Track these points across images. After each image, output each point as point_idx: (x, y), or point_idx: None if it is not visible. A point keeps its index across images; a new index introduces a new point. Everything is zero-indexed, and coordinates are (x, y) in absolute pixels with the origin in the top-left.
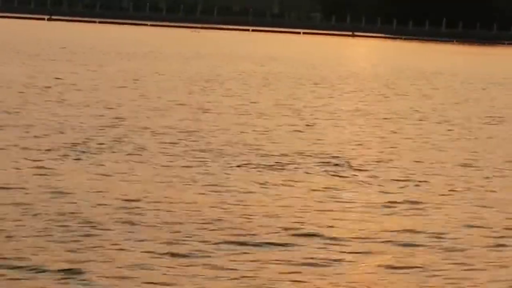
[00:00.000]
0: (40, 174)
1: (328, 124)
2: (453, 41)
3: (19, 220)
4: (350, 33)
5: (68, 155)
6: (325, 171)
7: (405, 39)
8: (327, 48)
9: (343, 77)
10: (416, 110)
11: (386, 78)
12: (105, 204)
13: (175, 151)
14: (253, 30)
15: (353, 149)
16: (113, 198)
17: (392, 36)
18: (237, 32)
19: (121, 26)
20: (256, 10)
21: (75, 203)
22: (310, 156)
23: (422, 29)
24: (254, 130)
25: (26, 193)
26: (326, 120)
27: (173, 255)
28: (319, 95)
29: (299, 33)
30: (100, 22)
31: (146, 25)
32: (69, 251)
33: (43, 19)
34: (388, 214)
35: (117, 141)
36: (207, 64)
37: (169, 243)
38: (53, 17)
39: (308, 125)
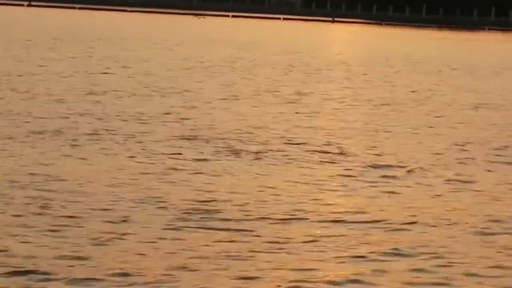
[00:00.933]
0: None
1: (317, 110)
2: (433, 27)
3: None
4: (330, 19)
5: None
6: (320, 160)
7: (385, 24)
8: (307, 34)
9: (326, 63)
10: (405, 96)
11: (368, 64)
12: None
13: (164, 136)
14: (233, 16)
15: (346, 136)
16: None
17: (372, 22)
18: (217, 18)
19: (102, 12)
20: None
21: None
22: (302, 143)
23: (403, 15)
24: (242, 118)
25: None
26: (315, 107)
27: None
28: (303, 81)
29: (279, 18)
30: (79, 8)
31: (126, 11)
32: None
33: (22, 5)
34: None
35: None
36: (189, 50)
37: None
38: (33, 3)
39: (297, 112)
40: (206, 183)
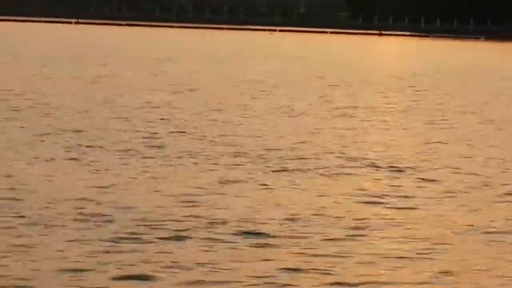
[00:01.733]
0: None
1: (370, 124)
2: (481, 38)
3: None
4: (378, 32)
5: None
6: (372, 174)
7: (433, 37)
8: (355, 47)
9: (376, 76)
10: (461, 108)
11: (418, 76)
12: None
13: (212, 153)
14: (280, 30)
15: (400, 150)
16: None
17: (420, 34)
18: (264, 32)
19: (149, 28)
20: (282, 10)
21: None
22: (356, 159)
23: (450, 26)
24: (295, 131)
25: None
26: (368, 121)
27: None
28: (353, 95)
29: (326, 32)
30: (127, 25)
31: (173, 27)
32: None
33: (71, 22)
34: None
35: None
36: (237, 65)
37: None
38: (80, 20)
39: (353, 128)
40: (261, 200)
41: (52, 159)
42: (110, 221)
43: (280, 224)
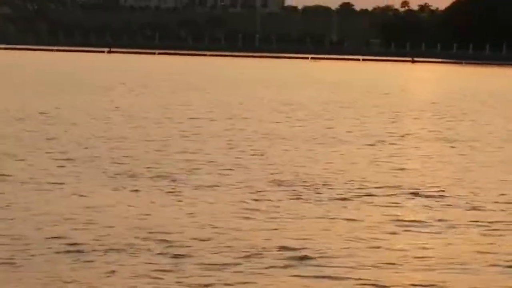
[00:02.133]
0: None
1: (405, 151)
2: None
3: None
4: (410, 59)
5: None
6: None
7: (465, 63)
8: (388, 74)
9: (410, 103)
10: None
11: (452, 103)
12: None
13: (258, 181)
14: (312, 58)
15: (438, 177)
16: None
17: (452, 61)
18: (296, 60)
19: (181, 57)
20: (315, 38)
21: None
22: (396, 187)
23: (483, 53)
24: (332, 160)
25: None
26: (403, 148)
27: None
28: (389, 122)
29: (358, 59)
30: (159, 54)
31: (205, 55)
32: None
33: (103, 51)
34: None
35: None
36: (273, 91)
37: None
38: (113, 49)
39: (392, 155)
40: (298, 228)
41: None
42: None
43: (338, 251)
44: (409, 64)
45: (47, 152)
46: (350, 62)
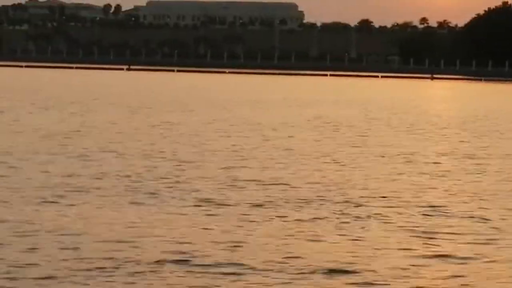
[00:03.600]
0: None
1: (430, 170)
2: None
3: None
4: (429, 75)
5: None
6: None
7: (484, 80)
8: (408, 91)
9: (432, 120)
10: None
11: (474, 121)
12: None
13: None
14: (331, 75)
15: (467, 197)
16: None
17: (472, 78)
18: (316, 77)
19: (200, 74)
20: (333, 55)
21: None
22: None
23: (502, 69)
24: (355, 177)
25: None
26: (426, 166)
27: None
28: (411, 140)
29: (377, 76)
30: (178, 71)
31: (224, 72)
32: None
33: (122, 69)
34: None
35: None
36: (296, 110)
37: None
38: (132, 67)
39: (423, 172)
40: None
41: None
42: None
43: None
44: (428, 81)
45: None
46: (369, 79)
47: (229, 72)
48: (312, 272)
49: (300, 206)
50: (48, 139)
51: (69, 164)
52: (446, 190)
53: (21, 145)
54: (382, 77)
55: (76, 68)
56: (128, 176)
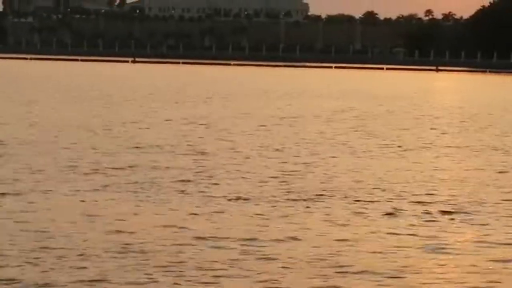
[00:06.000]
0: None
1: (439, 162)
2: None
3: None
4: (434, 67)
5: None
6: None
7: (489, 72)
8: (414, 83)
9: (439, 113)
10: None
11: (482, 113)
12: None
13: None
14: (336, 67)
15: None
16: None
17: (477, 69)
18: (321, 69)
19: (205, 66)
20: (338, 47)
21: None
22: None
23: (507, 61)
24: (366, 171)
25: None
26: (434, 159)
27: None
28: (420, 132)
29: (382, 68)
30: (183, 63)
31: (229, 64)
32: None
33: (127, 61)
34: None
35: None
36: (307, 102)
37: None
38: (137, 59)
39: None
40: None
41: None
42: None
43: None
44: (433, 73)
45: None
46: (374, 71)
47: (234, 64)
48: None
49: None
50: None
51: None
52: None
53: None
54: (387, 69)
55: (82, 60)
56: None
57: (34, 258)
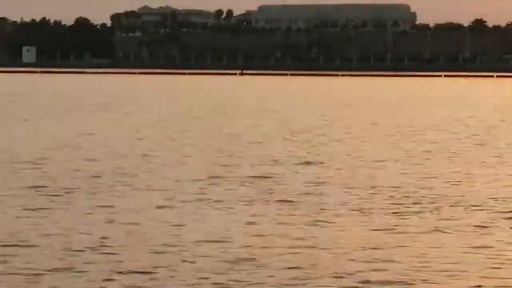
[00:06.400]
0: None
1: None
2: None
3: None
4: None
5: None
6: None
7: None
8: None
9: None
10: None
11: None
12: None
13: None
14: (445, 76)
15: None
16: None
17: None
18: (429, 78)
19: (313, 77)
20: (447, 55)
21: None
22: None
23: None
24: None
25: None
26: None
27: None
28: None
29: (492, 76)
30: (291, 75)
31: (337, 75)
32: None
33: (235, 74)
34: None
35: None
36: (411, 112)
37: None
38: (245, 71)
39: None
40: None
41: None
42: None
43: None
44: None
45: None
46: (483, 79)
47: (342, 75)
48: None
49: None
50: None
51: None
52: None
53: None
54: (497, 76)
55: (190, 74)
56: None
57: None
